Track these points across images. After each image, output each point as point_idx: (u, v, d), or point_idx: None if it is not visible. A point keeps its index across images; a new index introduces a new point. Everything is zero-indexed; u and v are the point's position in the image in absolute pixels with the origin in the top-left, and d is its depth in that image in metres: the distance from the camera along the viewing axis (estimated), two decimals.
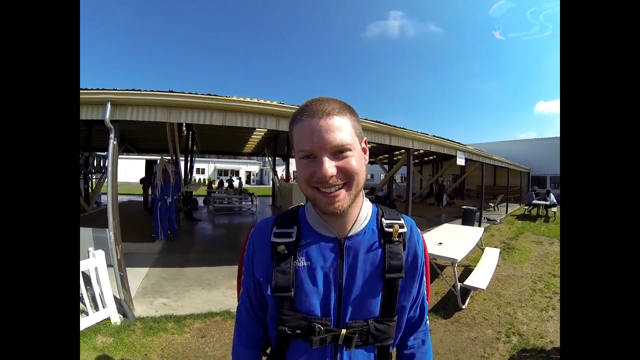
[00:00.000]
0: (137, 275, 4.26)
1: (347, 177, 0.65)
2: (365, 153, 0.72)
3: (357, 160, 0.66)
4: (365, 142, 0.72)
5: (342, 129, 0.63)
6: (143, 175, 11.74)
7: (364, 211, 0.75)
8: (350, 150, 0.64)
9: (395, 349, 0.83)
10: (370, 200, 0.79)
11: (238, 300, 0.86)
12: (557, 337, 3.07)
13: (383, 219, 0.75)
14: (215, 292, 3.96)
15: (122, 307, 3.23)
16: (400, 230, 0.73)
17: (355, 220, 0.73)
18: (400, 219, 0.76)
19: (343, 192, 0.65)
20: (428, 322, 0.86)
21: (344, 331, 0.69)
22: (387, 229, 0.73)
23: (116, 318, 3.08)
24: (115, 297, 3.18)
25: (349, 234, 0.72)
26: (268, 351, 0.84)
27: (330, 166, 0.62)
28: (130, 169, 24.79)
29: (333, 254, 0.71)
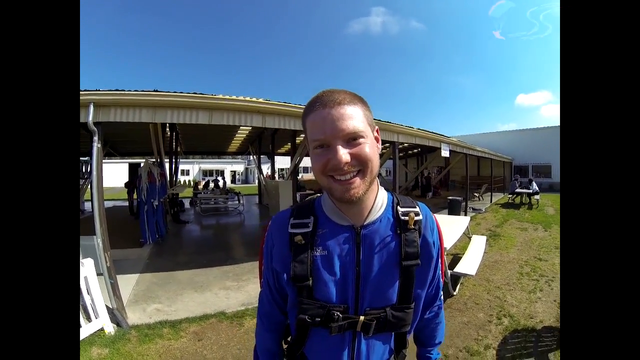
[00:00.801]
0: (127, 282, 4.14)
1: (361, 164, 0.65)
2: (377, 142, 0.72)
3: (371, 147, 0.67)
4: (377, 131, 0.73)
5: (354, 117, 0.64)
6: (126, 179, 11.38)
7: (380, 199, 0.76)
8: (363, 137, 0.65)
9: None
10: (385, 189, 0.80)
11: (261, 287, 0.88)
12: (546, 317, 3.23)
13: (399, 207, 0.75)
14: (208, 293, 3.92)
15: (115, 316, 3.13)
16: (416, 218, 0.74)
17: (371, 209, 0.74)
18: (415, 207, 0.77)
19: (358, 179, 0.65)
20: (442, 296, 0.89)
21: (362, 318, 0.70)
22: (403, 217, 0.74)
23: (110, 328, 2.99)
24: (107, 306, 3.08)
25: (365, 222, 0.73)
26: (289, 339, 0.85)
27: (344, 153, 0.63)
28: (113, 174, 23.98)
29: (350, 243, 0.72)
